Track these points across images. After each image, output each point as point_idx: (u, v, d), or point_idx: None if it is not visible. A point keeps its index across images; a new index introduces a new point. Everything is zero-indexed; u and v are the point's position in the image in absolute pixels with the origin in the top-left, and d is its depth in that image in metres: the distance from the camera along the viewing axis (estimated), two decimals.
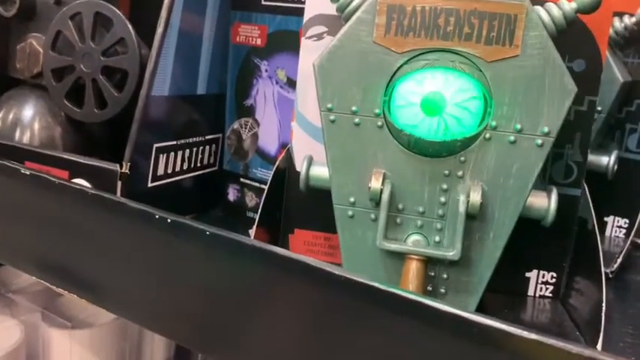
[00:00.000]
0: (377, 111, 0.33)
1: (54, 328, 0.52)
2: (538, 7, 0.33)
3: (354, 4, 0.34)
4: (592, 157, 0.48)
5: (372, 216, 0.34)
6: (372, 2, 0.32)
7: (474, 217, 0.32)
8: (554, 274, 0.38)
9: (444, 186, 0.33)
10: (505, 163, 0.32)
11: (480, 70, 0.32)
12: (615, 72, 0.44)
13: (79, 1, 0.44)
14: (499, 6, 0.31)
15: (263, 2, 0.44)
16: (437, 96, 0.31)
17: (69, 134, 0.47)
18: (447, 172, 0.33)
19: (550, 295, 0.39)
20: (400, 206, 0.33)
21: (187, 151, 0.45)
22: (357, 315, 0.25)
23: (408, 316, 0.23)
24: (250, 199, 0.48)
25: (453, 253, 0.32)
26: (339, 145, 0.34)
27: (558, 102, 0.31)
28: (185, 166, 0.45)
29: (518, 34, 0.31)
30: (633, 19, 0.45)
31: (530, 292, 0.39)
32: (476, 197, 0.31)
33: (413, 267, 0.32)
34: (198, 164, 0.47)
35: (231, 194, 0.49)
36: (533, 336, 0.20)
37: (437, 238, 0.33)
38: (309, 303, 0.27)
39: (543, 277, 0.39)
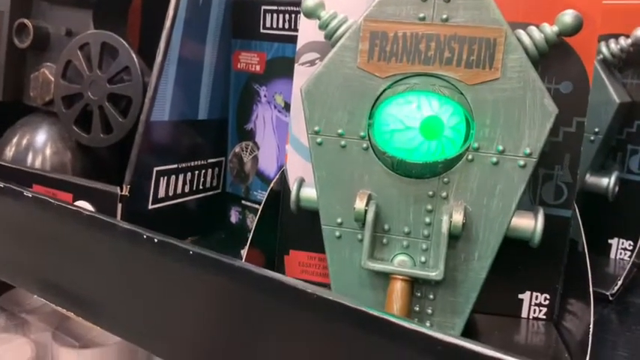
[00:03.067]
0: (362, 133, 0.34)
1: (63, 347, 0.53)
2: (519, 31, 0.34)
3: (340, 31, 0.35)
4: (592, 179, 0.48)
5: (359, 236, 0.34)
6: (356, 29, 0.33)
7: (458, 238, 0.33)
8: (548, 296, 0.38)
9: (429, 207, 0.33)
10: (488, 183, 0.32)
11: (462, 93, 0.32)
12: (611, 93, 0.44)
13: (87, 32, 0.46)
14: (478, 30, 0.32)
15: (262, 30, 0.46)
16: (436, 120, 0.32)
17: (78, 158, 0.49)
18: (431, 193, 0.33)
19: (544, 317, 0.38)
20: (386, 227, 0.34)
21: (189, 174, 0.46)
22: (339, 334, 0.26)
23: (376, 334, 0.24)
24: (251, 221, 0.49)
25: (436, 274, 0.32)
26: (326, 166, 0.35)
27: (539, 123, 0.32)
28: (187, 189, 0.47)
29: (497, 58, 0.32)
30: (629, 41, 0.45)
31: (524, 314, 0.39)
32: (458, 218, 0.32)
33: (397, 287, 0.33)
34: (201, 187, 0.48)
35: (234, 216, 0.50)
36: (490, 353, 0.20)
37: (422, 259, 0.34)
38: (290, 321, 0.27)
39: (537, 298, 0.38)
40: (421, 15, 0.32)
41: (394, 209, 0.34)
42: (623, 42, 0.45)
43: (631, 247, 0.49)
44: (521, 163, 0.32)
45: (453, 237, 0.32)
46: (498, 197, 0.32)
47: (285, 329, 0.27)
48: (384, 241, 0.34)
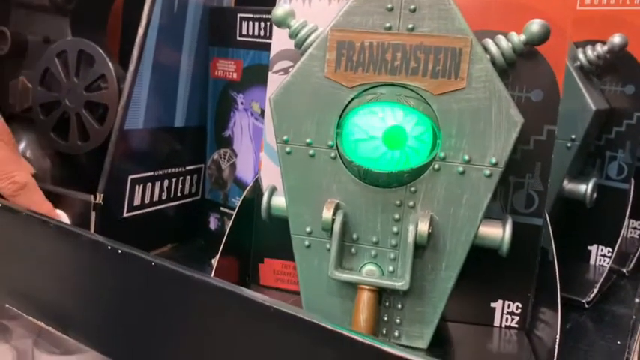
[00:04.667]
0: (330, 143, 0.34)
1: (44, 354, 0.53)
2: (487, 40, 0.34)
3: (309, 39, 0.36)
4: (570, 186, 0.48)
5: (328, 246, 0.34)
6: (323, 39, 0.33)
7: (425, 247, 0.33)
8: (520, 305, 0.38)
9: (396, 216, 0.33)
10: (455, 193, 0.32)
11: (428, 103, 0.32)
12: (587, 101, 0.44)
13: (65, 39, 0.46)
14: (444, 40, 0.32)
15: (238, 38, 0.46)
16: (399, 130, 0.32)
17: (58, 165, 0.49)
18: (398, 202, 0.33)
19: (516, 325, 0.38)
20: (355, 236, 0.34)
21: (166, 181, 0.46)
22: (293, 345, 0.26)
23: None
24: None
25: (401, 284, 0.32)
26: (295, 176, 0.35)
27: (505, 133, 0.32)
28: (164, 196, 0.47)
29: (463, 68, 0.32)
30: (605, 48, 0.45)
31: (497, 323, 0.39)
32: (423, 227, 0.32)
33: (364, 297, 0.33)
34: (179, 194, 0.48)
35: (212, 223, 0.50)
36: None
37: (391, 268, 0.34)
38: (251, 334, 0.27)
39: (509, 307, 0.38)
40: (387, 25, 0.32)
41: (362, 218, 0.34)
42: (600, 49, 0.45)
43: (610, 254, 0.49)
44: (487, 172, 0.32)
45: (420, 247, 0.32)
46: (465, 207, 0.32)
47: (246, 342, 0.27)
48: (353, 250, 0.34)
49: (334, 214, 0.33)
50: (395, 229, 0.33)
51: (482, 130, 0.32)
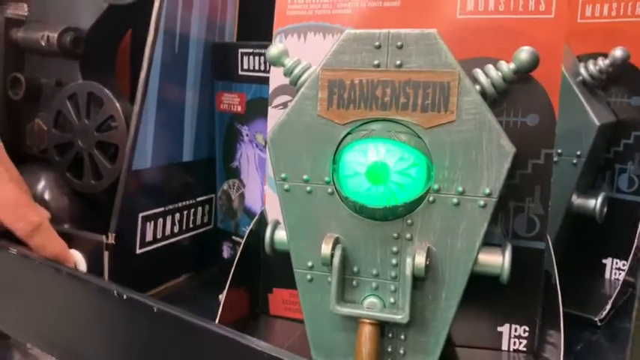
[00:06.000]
0: (327, 179, 0.34)
1: None
2: (476, 71, 0.34)
3: (303, 77, 0.36)
4: (579, 201, 0.47)
5: (329, 279, 0.35)
6: (314, 78, 0.34)
7: (424, 278, 0.33)
8: (527, 328, 0.38)
9: (394, 248, 0.34)
10: (451, 224, 0.33)
11: (419, 137, 0.33)
12: (591, 116, 0.44)
13: (75, 83, 0.48)
14: (432, 75, 0.32)
15: (240, 72, 0.47)
16: (381, 166, 0.32)
17: (75, 203, 0.51)
18: (395, 234, 0.34)
19: (524, 349, 0.38)
20: (355, 269, 0.35)
21: (178, 214, 0.48)
22: None
23: None
24: None
25: (401, 317, 0.32)
26: (295, 212, 0.35)
27: (497, 163, 0.32)
28: (177, 229, 0.48)
29: (452, 101, 0.32)
30: (607, 62, 0.45)
31: (505, 347, 0.39)
32: (420, 260, 0.32)
33: (366, 331, 0.33)
34: (191, 225, 0.50)
35: (226, 252, 0.51)
36: None
37: (392, 300, 0.34)
38: None
39: (516, 330, 0.38)
40: (375, 62, 0.33)
41: (362, 252, 0.34)
42: (602, 62, 0.45)
43: (625, 267, 0.49)
44: (482, 203, 0.32)
45: (418, 278, 0.33)
46: (462, 237, 0.33)
47: None
48: (354, 283, 0.35)
49: (333, 248, 0.34)
50: (394, 261, 0.34)
51: (474, 161, 0.32)
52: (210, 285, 0.50)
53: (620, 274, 0.49)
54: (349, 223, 0.34)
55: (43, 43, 0.48)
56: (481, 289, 0.35)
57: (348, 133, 0.34)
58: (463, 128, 0.32)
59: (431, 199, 0.33)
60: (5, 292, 0.39)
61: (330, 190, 0.34)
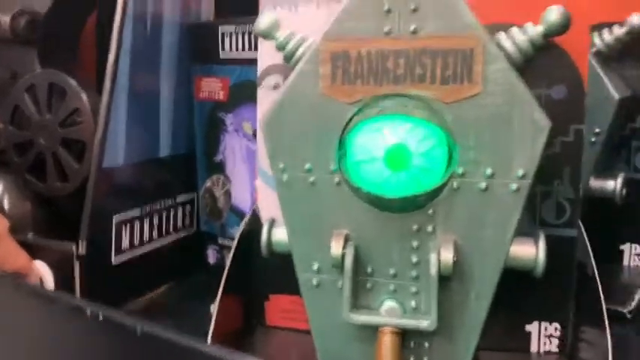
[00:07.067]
0: (332, 167, 0.30)
1: None
2: (500, 35, 0.30)
3: (299, 52, 0.32)
4: (597, 183, 0.44)
5: (340, 284, 0.30)
6: (314, 51, 0.29)
7: (450, 277, 0.29)
8: (558, 326, 0.34)
9: (414, 243, 0.29)
10: (478, 213, 0.28)
11: (440, 114, 0.28)
12: (610, 90, 0.40)
13: (33, 72, 0.43)
14: (452, 41, 0.28)
15: (221, 54, 0.42)
16: (401, 148, 0.28)
17: (38, 209, 0.45)
18: (415, 227, 0.29)
19: (556, 349, 0.34)
20: (369, 269, 0.30)
21: (156, 217, 0.43)
22: None
23: None
24: None
25: (427, 323, 0.28)
26: (296, 207, 0.31)
27: (531, 141, 0.28)
28: (155, 234, 0.43)
29: (476, 70, 0.28)
30: (623, 29, 0.41)
31: (534, 348, 0.35)
32: (447, 256, 0.28)
33: (386, 341, 0.29)
34: (172, 229, 0.44)
35: (211, 256, 0.46)
36: None
37: (413, 304, 0.30)
38: None
39: (546, 329, 0.34)
40: (386, 29, 0.28)
41: (376, 249, 0.30)
42: (618, 31, 0.41)
43: None
44: (514, 187, 0.28)
45: (444, 278, 0.28)
46: (491, 227, 0.28)
47: None
48: (369, 285, 0.30)
49: (344, 247, 0.29)
50: (414, 259, 0.29)
51: (504, 139, 0.28)
52: (196, 294, 0.45)
53: (639, 260, 0.46)
54: (360, 217, 0.30)
55: None
56: (505, 284, 0.30)
57: (356, 113, 0.29)
58: (490, 102, 0.28)
59: (455, 184, 0.28)
60: None
61: (336, 179, 0.30)
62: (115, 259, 0.39)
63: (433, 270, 0.28)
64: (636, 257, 0.46)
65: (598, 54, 0.42)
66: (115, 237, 0.39)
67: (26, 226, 0.42)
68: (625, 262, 0.46)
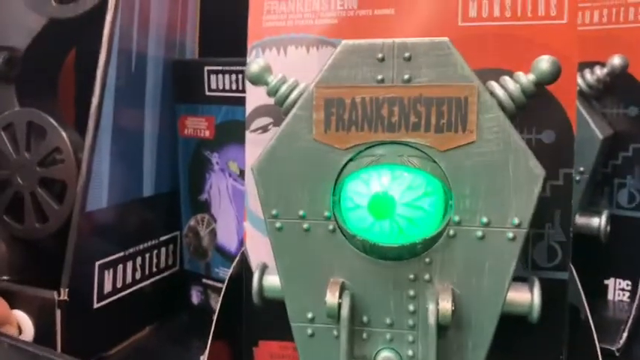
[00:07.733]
0: (327, 214, 0.29)
1: None
2: (491, 83, 0.30)
3: (291, 97, 0.31)
4: (582, 220, 0.44)
5: (335, 333, 0.30)
6: (308, 97, 0.29)
7: (447, 326, 0.28)
8: None
9: (411, 292, 0.29)
10: (475, 261, 0.28)
11: (435, 161, 0.28)
12: (594, 130, 0.41)
13: (10, 110, 0.41)
14: (446, 90, 0.28)
15: (207, 93, 0.41)
16: (385, 197, 0.27)
17: (16, 253, 0.44)
18: (412, 276, 0.29)
19: None
20: (365, 319, 0.30)
21: (139, 258, 0.41)
22: None
23: None
24: (215, 301, 0.44)
25: None
26: (290, 254, 0.30)
27: (527, 189, 0.28)
28: (139, 275, 0.42)
29: (471, 119, 0.28)
30: (604, 70, 0.42)
31: None
32: (446, 306, 0.27)
33: None
34: (155, 269, 0.43)
35: (195, 297, 0.45)
36: None
37: (410, 352, 0.29)
38: None
39: None
40: (379, 77, 0.28)
41: (372, 298, 0.29)
42: (599, 72, 0.42)
43: (629, 287, 0.46)
44: (510, 235, 0.28)
45: (442, 327, 0.28)
46: (489, 276, 0.28)
47: None
48: (364, 335, 0.30)
49: (340, 296, 0.29)
50: (411, 308, 0.29)
51: (499, 187, 0.28)
52: (179, 336, 0.44)
53: (624, 294, 0.46)
54: (356, 265, 0.29)
55: None
56: (497, 328, 0.30)
57: (351, 160, 0.29)
58: (485, 150, 0.28)
59: (451, 232, 0.28)
60: None
61: (331, 226, 0.29)
62: (96, 304, 0.37)
63: (432, 319, 0.27)
64: (620, 292, 0.46)
65: (580, 94, 0.42)
66: (98, 281, 0.37)
67: (2, 271, 0.41)
68: (610, 297, 0.47)
